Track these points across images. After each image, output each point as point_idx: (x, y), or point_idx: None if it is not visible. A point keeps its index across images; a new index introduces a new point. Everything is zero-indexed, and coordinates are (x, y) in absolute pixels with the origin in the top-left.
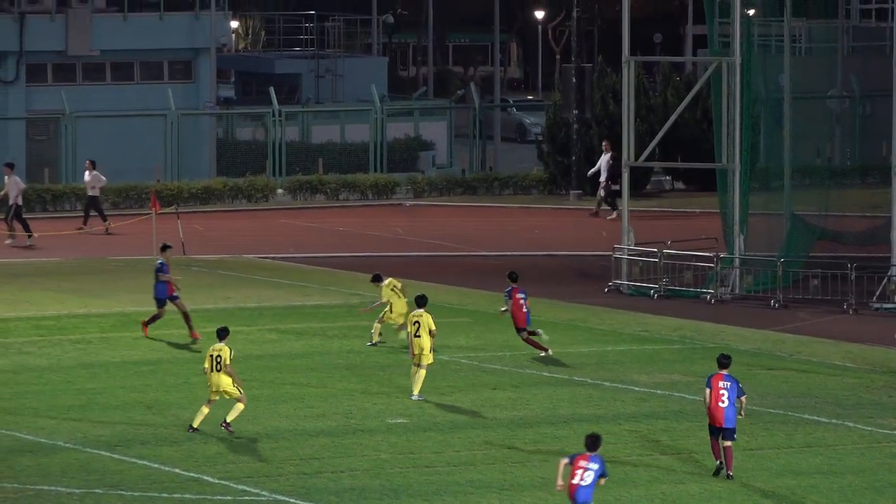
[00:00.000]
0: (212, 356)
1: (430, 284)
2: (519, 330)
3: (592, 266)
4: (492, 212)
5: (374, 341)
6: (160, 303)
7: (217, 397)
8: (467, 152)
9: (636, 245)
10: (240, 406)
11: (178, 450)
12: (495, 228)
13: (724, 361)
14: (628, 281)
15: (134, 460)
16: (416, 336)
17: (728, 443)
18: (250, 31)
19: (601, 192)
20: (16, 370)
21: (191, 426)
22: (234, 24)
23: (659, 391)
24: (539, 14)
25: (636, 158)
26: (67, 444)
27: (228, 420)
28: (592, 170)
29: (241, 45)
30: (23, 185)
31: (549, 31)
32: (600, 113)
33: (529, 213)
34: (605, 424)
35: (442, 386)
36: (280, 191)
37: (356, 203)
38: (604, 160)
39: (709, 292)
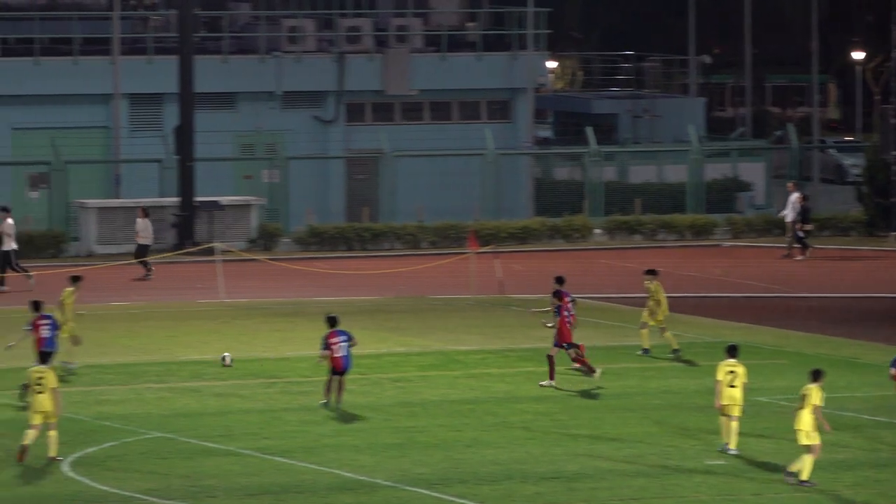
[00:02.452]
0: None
1: (747, 325)
2: (567, 346)
3: None
4: (810, 253)
5: (675, 347)
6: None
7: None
8: (785, 193)
9: None
10: (808, 458)
11: (496, 489)
12: (813, 270)
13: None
14: None
15: (453, 499)
16: (730, 386)
17: None
18: (568, 71)
19: (794, 233)
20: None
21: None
22: (552, 64)
23: None
24: (858, 55)
25: None
26: (387, 483)
27: (804, 478)
28: (783, 211)
29: (559, 85)
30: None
31: (869, 72)
32: None
33: (848, 254)
34: None
35: (761, 427)
36: (597, 231)
37: (674, 244)
38: (791, 200)
39: None
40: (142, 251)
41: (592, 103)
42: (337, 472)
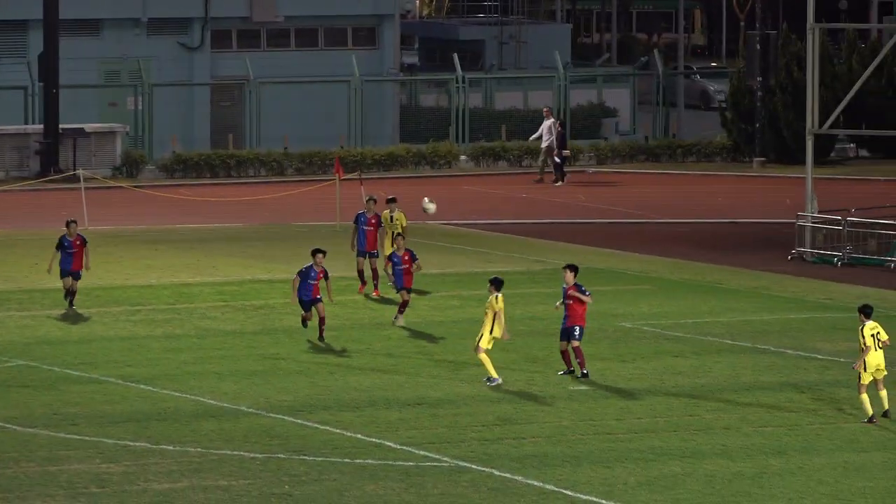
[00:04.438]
0: (874, 335)
1: (611, 251)
2: None
3: (776, 233)
4: (675, 179)
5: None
6: None
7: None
8: (650, 119)
9: (820, 213)
10: None
11: (360, 415)
12: (678, 196)
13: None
14: (812, 248)
15: (316, 425)
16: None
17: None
18: None
19: (543, 157)
20: (199, 335)
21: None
22: None
23: (842, 359)
24: None
25: (820, 126)
26: (251, 410)
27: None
28: (535, 135)
29: (425, 12)
30: None
31: None
32: (784, 80)
33: (712, 180)
34: (788, 392)
35: (624, 353)
36: (463, 157)
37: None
38: (545, 126)
39: (893, 260)
40: None
41: (459, 30)
42: (200, 399)
